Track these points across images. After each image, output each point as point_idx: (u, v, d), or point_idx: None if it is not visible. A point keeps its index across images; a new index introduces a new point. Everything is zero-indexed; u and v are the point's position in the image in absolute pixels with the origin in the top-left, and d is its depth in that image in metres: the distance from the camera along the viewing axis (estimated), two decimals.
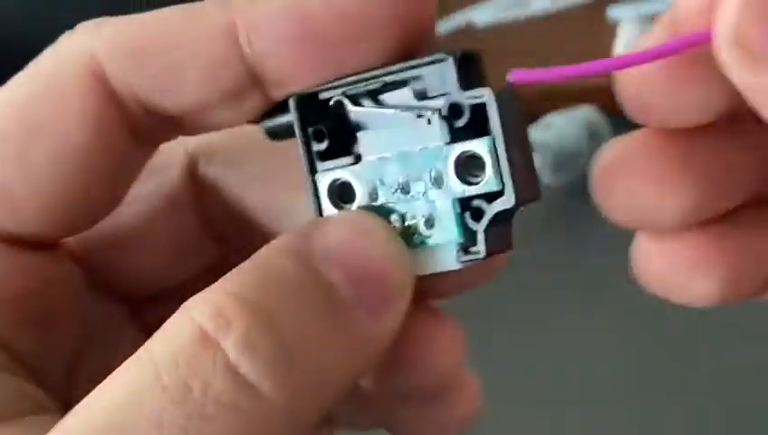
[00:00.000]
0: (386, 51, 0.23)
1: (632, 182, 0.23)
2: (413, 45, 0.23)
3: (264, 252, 0.22)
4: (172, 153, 0.27)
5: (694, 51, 0.21)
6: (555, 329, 0.62)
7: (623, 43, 0.75)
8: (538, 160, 0.67)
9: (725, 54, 0.20)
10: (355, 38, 0.23)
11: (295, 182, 0.26)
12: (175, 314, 0.22)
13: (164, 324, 0.21)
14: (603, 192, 0.23)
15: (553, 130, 0.68)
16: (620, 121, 0.24)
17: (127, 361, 0.21)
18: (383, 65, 0.23)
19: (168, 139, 0.26)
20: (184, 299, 0.22)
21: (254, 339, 0.21)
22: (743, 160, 0.23)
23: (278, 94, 0.24)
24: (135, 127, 0.24)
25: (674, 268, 0.24)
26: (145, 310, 0.29)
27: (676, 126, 0.23)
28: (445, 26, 0.82)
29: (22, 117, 0.24)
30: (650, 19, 0.74)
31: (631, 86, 0.22)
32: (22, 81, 0.24)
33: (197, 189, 0.27)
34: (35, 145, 0.24)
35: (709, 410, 0.60)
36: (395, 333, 0.23)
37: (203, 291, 0.22)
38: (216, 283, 0.22)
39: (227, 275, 0.22)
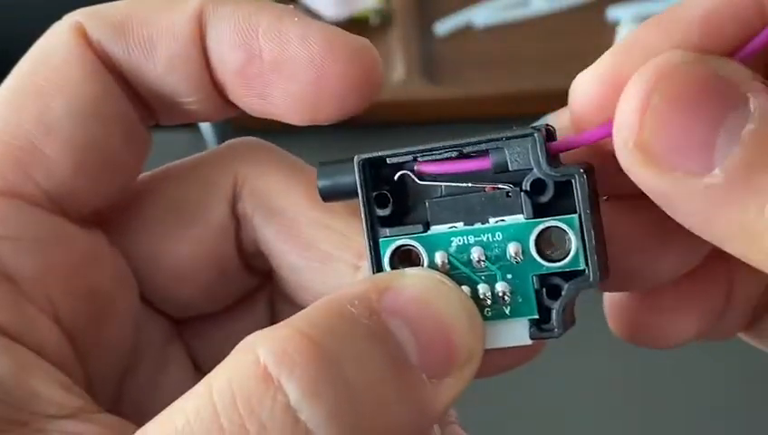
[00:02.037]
0: (329, 95, 0.24)
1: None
2: (354, 104, 0.24)
3: (335, 297, 0.22)
4: (218, 182, 0.27)
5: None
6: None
7: None
8: None
9: (625, 159, 0.20)
10: (291, 73, 0.24)
11: (327, 249, 0.25)
12: (239, 347, 0.21)
13: (228, 357, 0.21)
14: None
15: None
16: None
17: (187, 393, 0.21)
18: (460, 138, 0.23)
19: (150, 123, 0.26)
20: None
21: (320, 384, 0.20)
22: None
23: (233, 98, 0.25)
24: (125, 90, 0.25)
25: (654, 315, 0.25)
26: (182, 329, 0.28)
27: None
28: (445, 26, 0.82)
29: (29, 83, 0.25)
30: None
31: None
32: (22, 60, 0.25)
33: (237, 222, 0.27)
34: (48, 102, 0.24)
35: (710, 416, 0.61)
36: (453, 401, 0.22)
37: (270, 327, 0.21)
38: (284, 320, 0.21)
39: (296, 313, 0.21)
